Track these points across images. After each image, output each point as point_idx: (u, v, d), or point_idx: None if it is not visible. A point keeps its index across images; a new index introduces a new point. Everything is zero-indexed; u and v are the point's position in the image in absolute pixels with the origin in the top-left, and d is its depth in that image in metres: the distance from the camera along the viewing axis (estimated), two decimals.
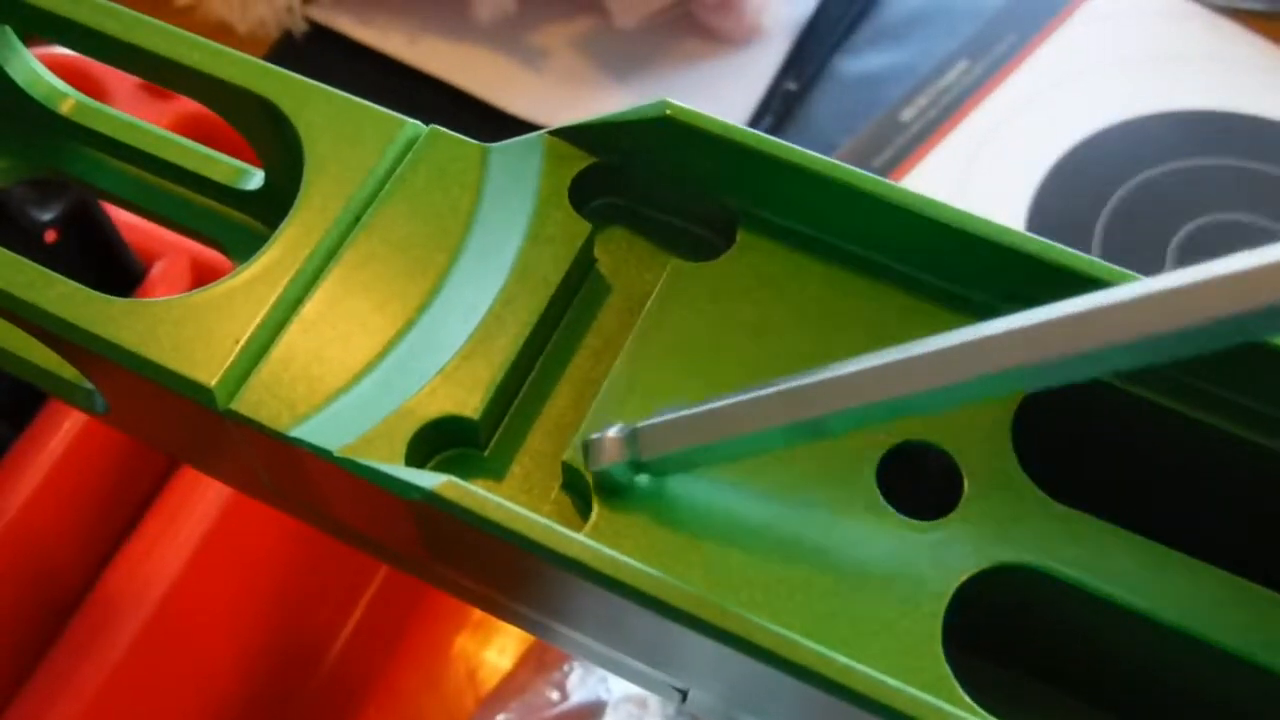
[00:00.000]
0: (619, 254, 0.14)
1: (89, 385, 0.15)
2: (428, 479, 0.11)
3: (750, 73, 0.49)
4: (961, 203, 0.45)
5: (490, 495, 0.11)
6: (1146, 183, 0.46)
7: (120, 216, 0.31)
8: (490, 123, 0.48)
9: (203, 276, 0.31)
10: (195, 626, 0.31)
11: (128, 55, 0.15)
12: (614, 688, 0.33)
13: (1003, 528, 0.12)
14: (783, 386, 0.11)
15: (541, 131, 0.14)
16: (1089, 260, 0.12)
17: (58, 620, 0.30)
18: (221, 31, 0.50)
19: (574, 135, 0.14)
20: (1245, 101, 0.47)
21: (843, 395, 0.10)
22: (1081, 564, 0.12)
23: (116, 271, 0.32)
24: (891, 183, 0.13)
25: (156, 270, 0.31)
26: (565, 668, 0.34)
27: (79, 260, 0.31)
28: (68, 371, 0.15)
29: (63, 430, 0.30)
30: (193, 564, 0.30)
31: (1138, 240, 0.45)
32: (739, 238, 0.13)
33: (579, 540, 0.11)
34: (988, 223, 0.13)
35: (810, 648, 0.10)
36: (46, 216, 0.30)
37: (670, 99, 0.45)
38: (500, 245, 0.13)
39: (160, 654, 0.30)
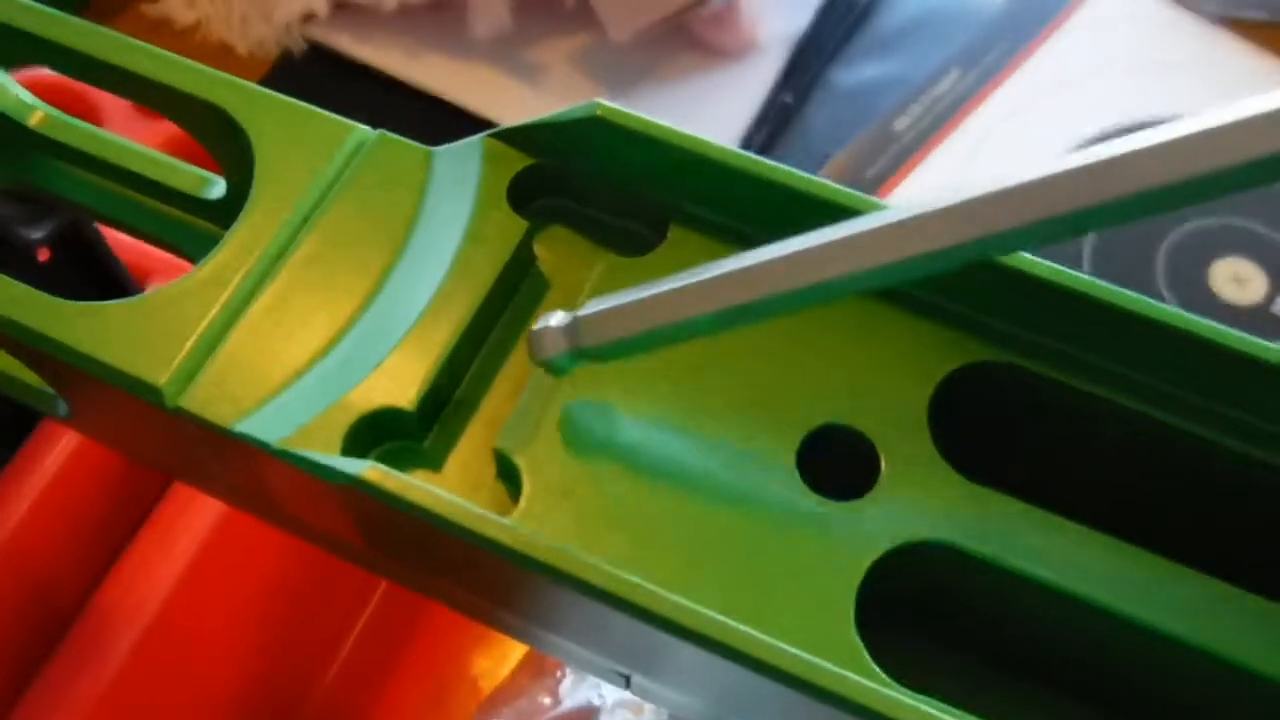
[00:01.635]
0: (559, 252, 0.14)
1: (50, 389, 0.16)
2: (354, 465, 0.12)
3: (746, 86, 0.50)
4: None
5: (412, 480, 0.11)
6: None
7: (114, 235, 0.32)
8: None
9: None
10: (192, 641, 0.31)
11: (84, 65, 0.15)
12: (607, 693, 0.33)
13: (917, 507, 0.12)
14: (715, 273, 0.11)
15: (482, 134, 0.14)
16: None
17: (53, 635, 0.30)
18: (222, 52, 0.51)
19: (513, 137, 0.14)
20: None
21: (769, 281, 0.10)
22: (993, 541, 0.12)
23: (112, 290, 0.32)
24: (812, 176, 0.13)
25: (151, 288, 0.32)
26: (559, 674, 0.34)
27: (74, 279, 0.32)
28: (29, 376, 0.15)
29: (57, 448, 0.30)
30: (188, 579, 0.30)
31: (1128, 245, 0.45)
32: (670, 233, 0.14)
33: (494, 519, 0.11)
34: (895, 212, 0.13)
35: (713, 617, 0.11)
36: (37, 235, 0.30)
37: (666, 112, 0.45)
38: (440, 244, 0.14)
39: (156, 668, 0.30)
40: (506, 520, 0.11)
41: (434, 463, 0.13)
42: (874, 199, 0.13)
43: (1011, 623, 0.13)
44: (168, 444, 0.15)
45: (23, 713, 0.29)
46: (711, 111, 0.49)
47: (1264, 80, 0.48)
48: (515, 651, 0.37)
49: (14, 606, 0.30)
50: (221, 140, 0.15)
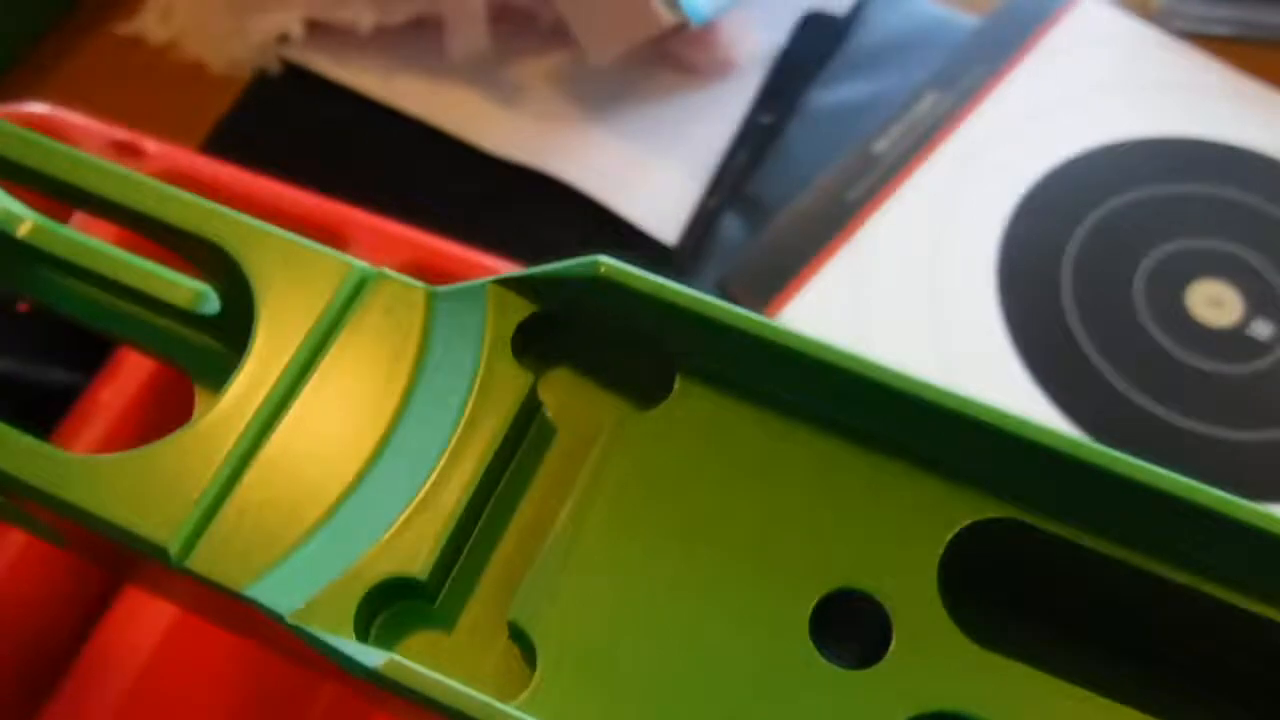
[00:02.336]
0: (564, 395, 0.14)
1: (46, 525, 0.15)
2: (373, 657, 0.12)
3: (725, 106, 0.49)
4: (934, 237, 0.45)
5: (430, 674, 0.11)
6: (1115, 210, 0.47)
7: None
8: (464, 158, 0.48)
9: None
10: (185, 682, 0.31)
11: (79, 197, 0.15)
12: None
13: (929, 676, 0.12)
14: None
15: (485, 280, 0.14)
16: (1017, 418, 0.12)
17: (46, 685, 0.30)
18: (196, 70, 0.51)
19: (516, 284, 0.14)
20: (1210, 128, 0.48)
21: None
22: (1001, 709, 0.12)
23: (91, 337, 0.32)
24: (816, 338, 0.13)
25: None
26: None
27: (53, 328, 0.31)
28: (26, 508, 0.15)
29: None
30: (180, 620, 0.30)
31: (1107, 267, 0.45)
32: (677, 384, 0.14)
33: (516, 715, 0.11)
34: (904, 377, 0.13)
35: None
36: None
37: (646, 132, 0.45)
38: (446, 397, 0.13)
39: (152, 710, 0.30)
40: (520, 713, 0.11)
41: (445, 623, 0.13)
42: (872, 360, 0.13)
43: None
44: (169, 585, 0.15)
45: None
46: (691, 131, 0.49)
47: (1233, 96, 0.49)
48: None
49: (7, 652, 0.30)
50: (218, 272, 0.15)
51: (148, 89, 0.51)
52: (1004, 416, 0.12)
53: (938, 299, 0.44)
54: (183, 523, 0.13)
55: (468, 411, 0.13)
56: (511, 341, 0.14)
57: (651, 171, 0.48)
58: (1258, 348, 0.44)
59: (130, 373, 0.32)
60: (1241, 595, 0.12)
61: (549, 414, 0.14)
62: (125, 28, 0.51)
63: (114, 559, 0.16)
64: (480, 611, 0.13)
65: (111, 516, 0.13)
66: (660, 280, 0.13)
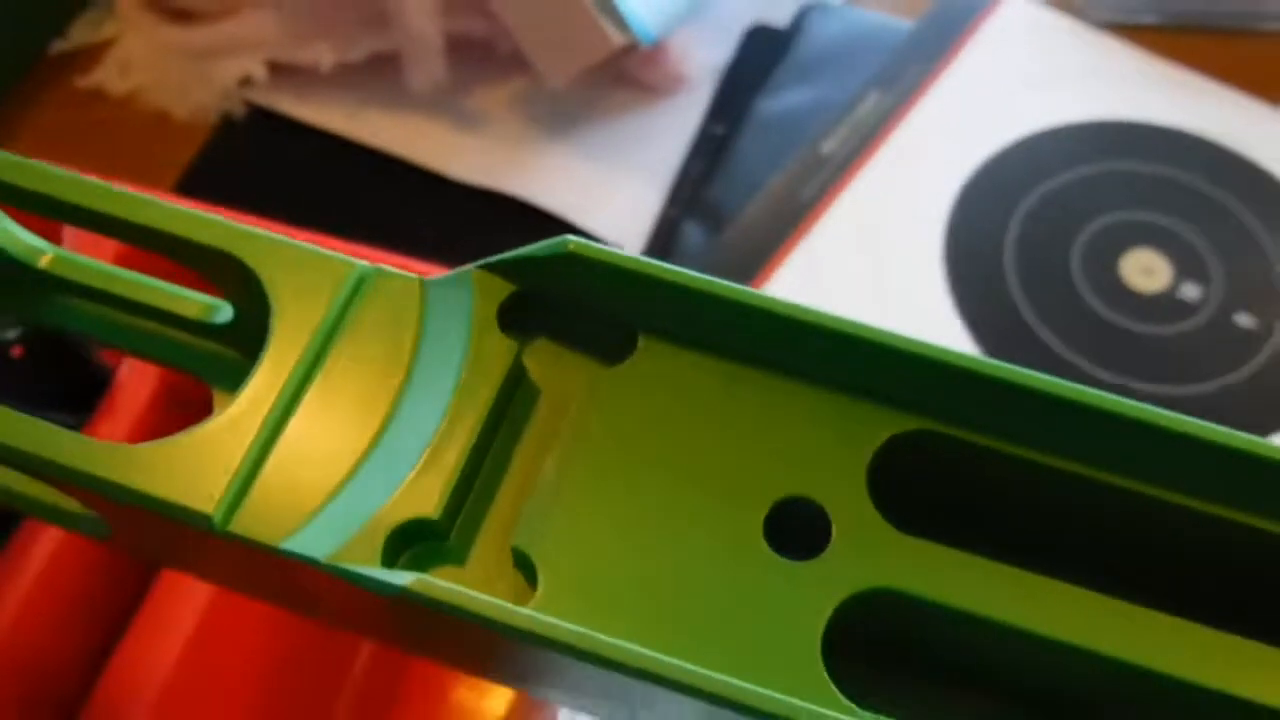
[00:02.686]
0: (546, 362, 0.16)
1: (94, 515, 0.17)
2: (401, 578, 0.14)
3: (679, 120, 0.52)
4: (883, 230, 0.47)
5: (453, 585, 0.13)
6: (1050, 191, 0.49)
7: None
8: (432, 187, 0.50)
9: (166, 375, 0.32)
10: (202, 708, 0.33)
11: (102, 223, 0.17)
12: None
13: (865, 561, 0.14)
14: None
15: (471, 266, 0.16)
16: (960, 353, 0.14)
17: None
18: (159, 119, 0.52)
19: (497, 268, 0.16)
20: (1135, 110, 0.50)
21: None
22: (929, 584, 0.14)
23: (85, 376, 0.33)
24: (771, 295, 0.15)
25: (124, 370, 0.33)
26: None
27: (48, 370, 0.33)
28: (73, 505, 0.17)
29: (48, 534, 0.32)
30: (187, 653, 0.32)
31: (1045, 244, 0.48)
32: (640, 342, 0.16)
33: (525, 613, 0.13)
34: (851, 322, 0.15)
35: (711, 675, 0.13)
36: (11, 335, 0.31)
37: (605, 149, 0.47)
38: (443, 369, 0.15)
39: None
40: (532, 611, 0.13)
41: (458, 559, 0.15)
42: (805, 306, 0.15)
43: (957, 650, 0.15)
44: (211, 558, 0.16)
45: None
46: (647, 146, 0.51)
47: (1153, 80, 0.51)
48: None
49: (16, 700, 0.31)
50: (234, 282, 0.16)
51: (114, 140, 0.52)
52: (918, 343, 0.15)
53: (889, 285, 0.47)
54: (222, 493, 0.14)
55: (462, 380, 0.15)
56: (496, 318, 0.16)
57: (612, 186, 0.50)
58: (1186, 309, 0.46)
59: (124, 411, 0.33)
60: (1125, 478, 0.15)
61: (533, 378, 0.16)
62: (85, 81, 0.53)
63: (154, 545, 0.17)
64: (487, 547, 0.15)
65: (160, 494, 0.14)
66: (620, 252, 0.15)
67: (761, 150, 0.51)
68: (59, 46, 0.54)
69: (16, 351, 0.33)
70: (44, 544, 0.31)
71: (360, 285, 0.16)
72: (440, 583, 0.13)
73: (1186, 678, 0.14)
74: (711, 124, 0.52)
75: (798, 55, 0.53)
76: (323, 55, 0.50)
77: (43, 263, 0.19)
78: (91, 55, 0.54)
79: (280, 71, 0.51)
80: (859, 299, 0.46)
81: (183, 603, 0.31)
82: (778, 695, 0.13)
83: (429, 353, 0.15)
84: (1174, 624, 0.14)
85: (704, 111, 0.52)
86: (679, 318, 0.15)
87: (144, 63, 0.53)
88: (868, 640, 0.15)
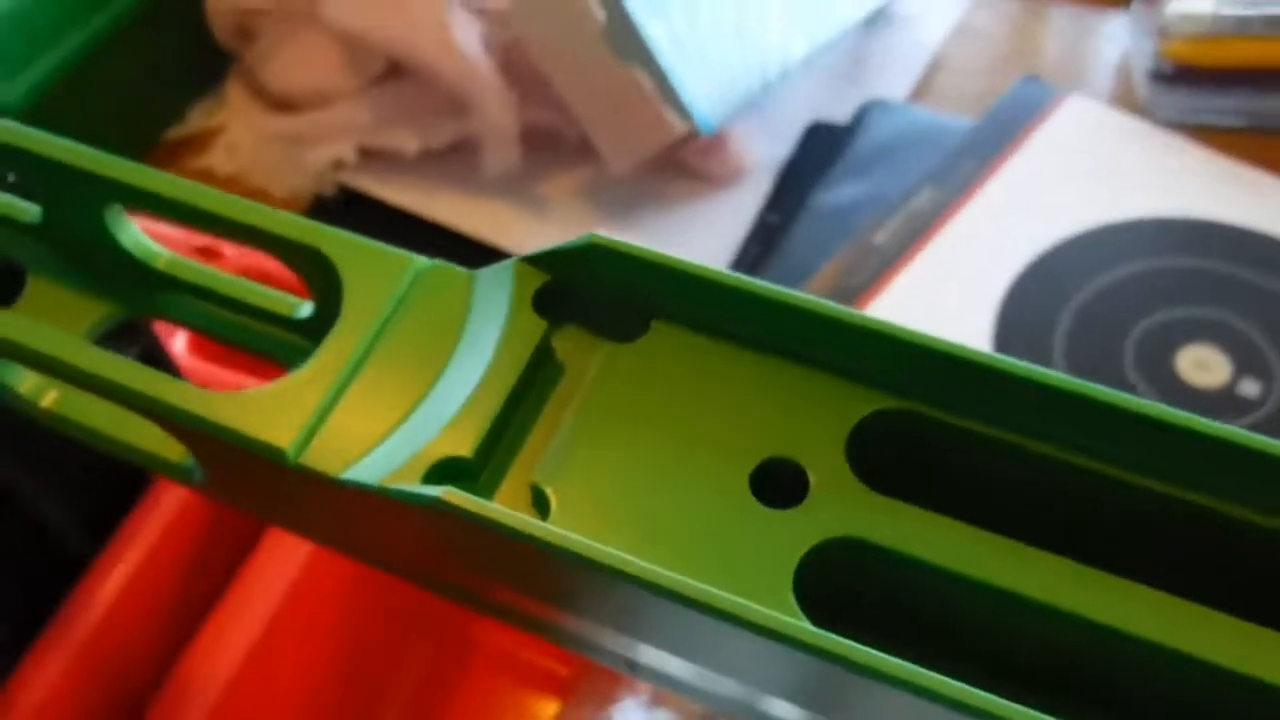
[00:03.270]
0: (571, 344, 0.19)
1: (189, 463, 0.20)
2: (435, 490, 0.16)
3: (736, 209, 0.54)
4: (932, 317, 0.49)
5: (476, 498, 0.16)
6: (1104, 287, 0.50)
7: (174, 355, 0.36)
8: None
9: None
10: (265, 705, 0.35)
11: (207, 220, 0.20)
12: None
13: (838, 513, 0.16)
14: None
15: (512, 260, 0.19)
16: (960, 346, 0.17)
17: (134, 710, 0.34)
18: (260, 197, 0.56)
19: (534, 260, 0.19)
20: (1192, 207, 0.52)
21: None
22: (895, 536, 0.16)
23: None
24: (759, 281, 0.18)
25: None
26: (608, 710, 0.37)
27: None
28: (172, 453, 0.20)
29: (140, 541, 0.34)
30: (254, 655, 0.34)
31: (1097, 340, 0.48)
32: (653, 326, 0.18)
33: (537, 523, 0.16)
34: (839, 309, 0.17)
35: (693, 584, 0.15)
36: (130, 354, 0.35)
37: (663, 236, 0.50)
38: (483, 344, 0.18)
39: None
40: (541, 522, 0.16)
41: (486, 495, 0.17)
42: (803, 295, 0.17)
43: (923, 608, 0.17)
44: (282, 495, 0.19)
45: None
46: (704, 234, 0.54)
47: (1211, 177, 0.53)
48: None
49: (97, 684, 0.34)
50: (314, 272, 0.19)
51: None
52: (902, 330, 0.17)
53: None
54: (295, 433, 0.17)
55: (498, 351, 0.18)
56: (531, 301, 0.18)
57: None
58: (1246, 405, 0.46)
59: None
60: (1105, 464, 0.16)
61: (559, 357, 0.18)
62: (196, 163, 0.57)
63: (237, 484, 0.20)
64: (510, 490, 0.17)
65: (246, 430, 0.17)
66: (637, 245, 0.18)
67: (814, 240, 0.53)
68: (176, 132, 0.59)
69: None
70: (137, 548, 0.34)
71: (419, 275, 0.19)
72: (466, 494, 0.16)
73: (1153, 639, 0.15)
74: (768, 213, 0.54)
75: (856, 150, 0.55)
76: (408, 142, 0.54)
77: (160, 264, 0.22)
78: (203, 140, 0.59)
79: (369, 156, 0.55)
80: None
81: (251, 608, 0.34)
82: (747, 602, 0.15)
83: (473, 329, 0.18)
84: (1143, 590, 0.16)
85: (761, 202, 0.54)
86: (687, 302, 0.18)
87: (248, 147, 0.57)
88: (837, 597, 0.17)
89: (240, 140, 0.57)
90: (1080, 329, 0.49)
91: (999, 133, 0.55)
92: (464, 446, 0.17)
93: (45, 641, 0.33)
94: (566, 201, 0.55)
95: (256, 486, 0.20)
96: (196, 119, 0.59)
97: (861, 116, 0.57)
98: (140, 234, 0.21)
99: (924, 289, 0.51)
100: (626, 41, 0.49)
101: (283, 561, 0.34)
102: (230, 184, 0.57)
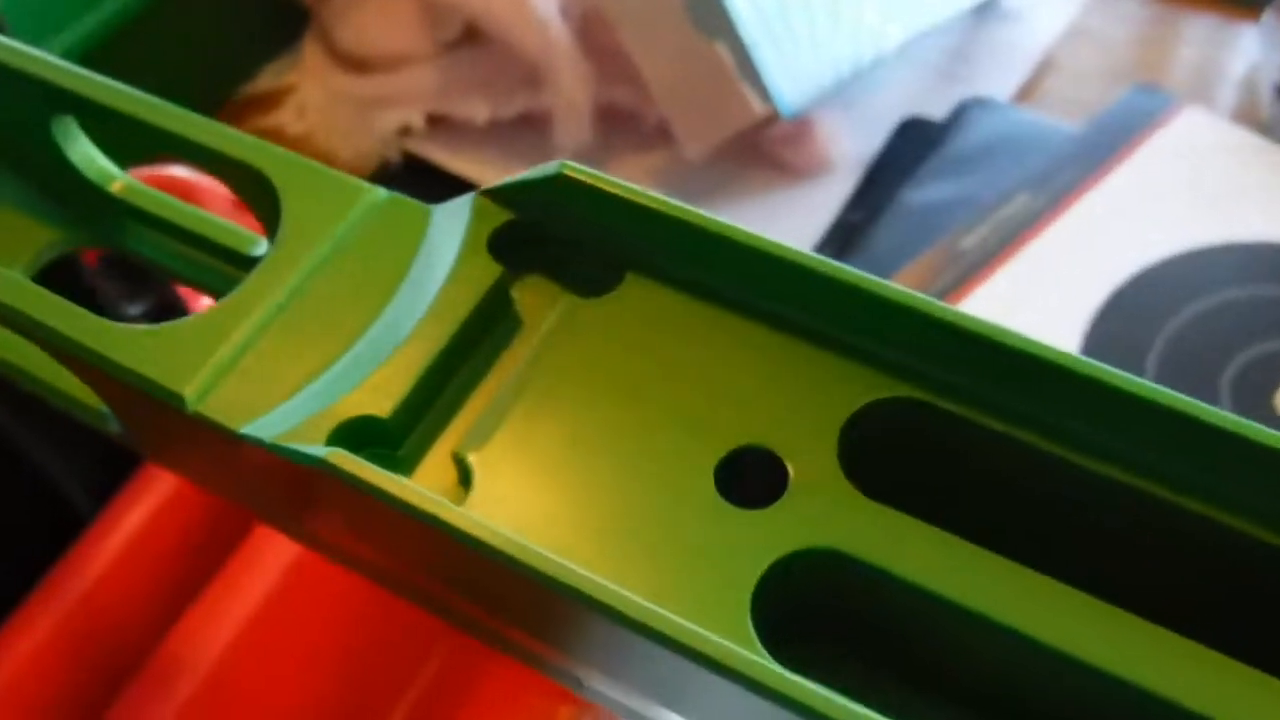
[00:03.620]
0: (535, 296, 0.16)
1: (105, 409, 0.18)
2: (321, 450, 0.13)
3: (816, 204, 0.51)
4: (1014, 325, 0.45)
5: (368, 464, 0.13)
6: (1202, 313, 0.46)
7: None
8: None
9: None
10: (254, 690, 0.33)
11: (149, 134, 0.17)
12: None
13: (818, 518, 0.13)
14: None
15: (473, 193, 0.16)
16: (989, 325, 0.14)
17: (120, 679, 0.32)
18: (326, 160, 0.54)
19: (496, 194, 0.16)
20: None
21: None
22: (883, 551, 0.13)
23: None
24: (748, 230, 0.15)
25: None
26: None
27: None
28: (90, 399, 0.18)
29: (141, 504, 0.33)
30: (248, 632, 0.32)
31: (1191, 370, 0.45)
32: (626, 277, 0.15)
33: (432, 496, 0.13)
34: (829, 263, 0.14)
35: (617, 590, 0.12)
36: (135, 310, 0.33)
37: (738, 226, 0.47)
38: (425, 285, 0.15)
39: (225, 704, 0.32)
40: (438, 497, 0.13)
41: (405, 468, 0.15)
42: (792, 247, 0.14)
43: (902, 635, 0.14)
44: (204, 454, 0.17)
45: None
46: (780, 228, 0.51)
47: None
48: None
49: (86, 653, 0.32)
50: (259, 197, 0.17)
51: None
52: (915, 297, 0.14)
53: None
54: (198, 378, 0.15)
55: (440, 295, 0.15)
56: (488, 243, 0.16)
57: None
58: None
59: None
60: (1133, 473, 0.13)
61: (519, 309, 0.16)
62: (266, 120, 0.56)
63: (149, 433, 0.18)
64: (434, 462, 0.15)
65: (143, 370, 0.15)
66: (611, 179, 0.15)
67: (898, 240, 0.50)
68: (248, 89, 0.58)
69: None
70: (135, 514, 0.33)
71: (371, 208, 0.16)
72: (356, 458, 0.13)
73: (1155, 690, 0.12)
74: (849, 211, 0.51)
75: (950, 149, 0.52)
76: (478, 110, 0.52)
77: (114, 188, 0.20)
78: (275, 98, 0.57)
79: (437, 124, 0.53)
80: None
81: (247, 588, 0.32)
82: (692, 626, 0.12)
83: (418, 271, 0.16)
84: (1152, 631, 0.13)
85: (843, 199, 0.51)
86: (664, 251, 0.15)
87: (318, 108, 0.56)
88: (803, 611, 0.14)
89: (311, 100, 0.56)
90: (1174, 356, 0.45)
91: (1106, 141, 0.51)
92: (382, 404, 0.14)
93: (33, 603, 0.32)
94: (638, 184, 0.52)
95: (173, 442, 0.17)
96: (270, 77, 0.58)
97: (960, 114, 0.53)
98: (94, 152, 0.19)
99: (1009, 300, 0.47)
100: (709, 14, 0.46)
101: (284, 540, 0.32)
102: (298, 144, 0.55)
